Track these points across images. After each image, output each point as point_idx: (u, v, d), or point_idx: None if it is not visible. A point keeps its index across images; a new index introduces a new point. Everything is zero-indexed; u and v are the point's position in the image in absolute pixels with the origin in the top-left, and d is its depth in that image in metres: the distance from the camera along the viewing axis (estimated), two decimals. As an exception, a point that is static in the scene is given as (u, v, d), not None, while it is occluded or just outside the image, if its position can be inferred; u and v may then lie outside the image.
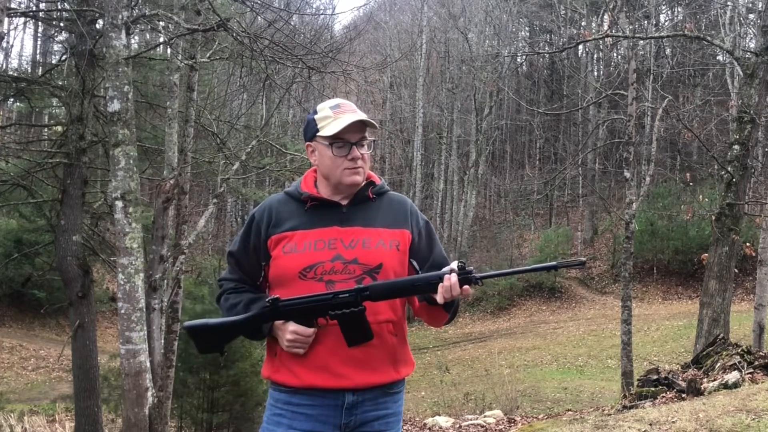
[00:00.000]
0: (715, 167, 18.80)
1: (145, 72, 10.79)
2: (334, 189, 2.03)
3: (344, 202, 2.03)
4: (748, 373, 6.22)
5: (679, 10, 32.27)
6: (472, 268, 1.92)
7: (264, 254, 2.02)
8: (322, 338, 1.94)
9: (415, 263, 2.06)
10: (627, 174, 11.95)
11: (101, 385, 9.26)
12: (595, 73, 32.95)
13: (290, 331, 1.93)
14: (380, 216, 2.05)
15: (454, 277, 1.88)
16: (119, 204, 5.28)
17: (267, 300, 1.94)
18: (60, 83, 10.05)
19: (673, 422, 4.63)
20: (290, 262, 1.97)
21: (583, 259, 2.08)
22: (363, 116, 1.99)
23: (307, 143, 2.07)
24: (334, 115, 2.00)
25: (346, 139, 1.98)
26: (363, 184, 2.05)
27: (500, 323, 24.48)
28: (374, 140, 2.07)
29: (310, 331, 1.92)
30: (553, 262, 1.96)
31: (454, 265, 1.92)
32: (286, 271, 1.97)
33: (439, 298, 1.88)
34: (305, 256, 1.96)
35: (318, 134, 2.01)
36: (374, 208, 2.06)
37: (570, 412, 8.76)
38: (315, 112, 2.05)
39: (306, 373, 1.95)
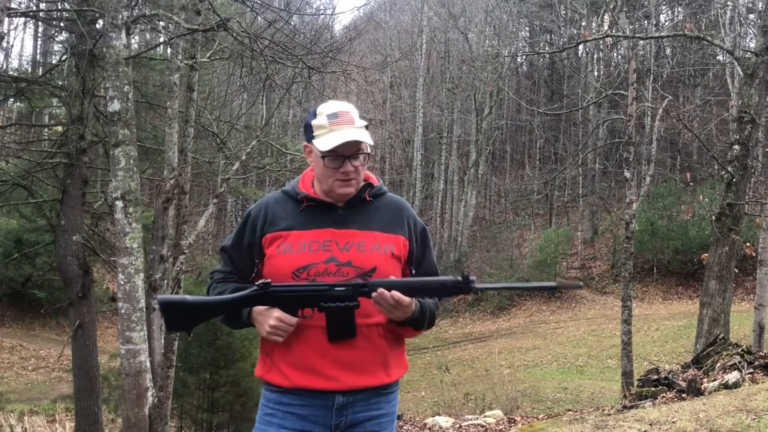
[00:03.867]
0: (715, 167, 18.81)
1: (145, 72, 10.79)
2: (325, 194, 2.03)
3: (340, 204, 2.02)
4: (748, 373, 6.21)
5: (679, 10, 32.27)
6: (474, 278, 1.90)
7: (258, 252, 2.02)
8: (313, 339, 1.94)
9: (413, 269, 2.07)
10: (627, 174, 11.95)
11: (101, 385, 9.26)
12: (595, 73, 32.91)
13: (275, 317, 1.90)
14: (376, 219, 2.03)
15: (386, 294, 1.87)
16: (119, 204, 5.27)
17: (257, 283, 1.91)
18: (60, 83, 10.06)
19: (673, 422, 4.63)
20: (284, 262, 1.96)
21: (580, 283, 2.13)
22: (358, 134, 1.94)
23: (305, 144, 2.06)
24: (329, 126, 1.95)
25: (339, 153, 1.95)
26: (357, 190, 2.03)
27: (500, 323, 24.48)
28: (369, 154, 2.01)
29: (294, 320, 1.90)
30: (553, 283, 1.97)
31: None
32: (279, 271, 1.96)
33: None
34: (299, 256, 1.96)
35: (313, 141, 1.98)
36: (371, 211, 2.05)
37: (570, 412, 8.76)
38: (314, 116, 2.00)
39: (296, 375, 1.95)
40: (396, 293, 1.86)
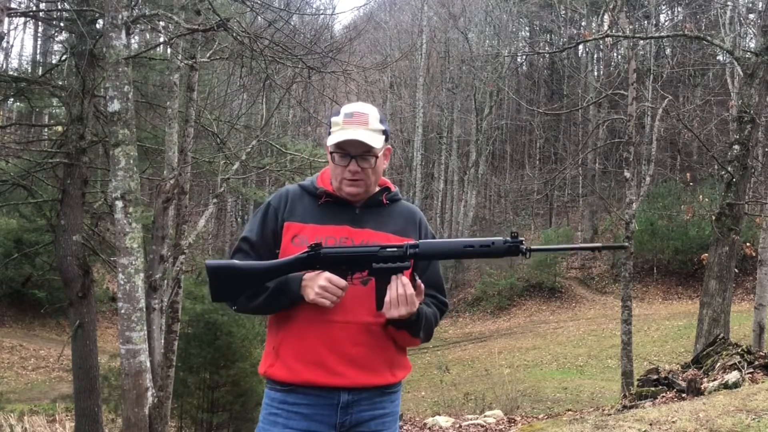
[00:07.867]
0: (715, 167, 18.79)
1: (145, 72, 10.79)
2: (337, 192, 2.04)
3: (357, 204, 2.04)
4: (748, 373, 6.22)
5: (679, 10, 32.27)
6: (523, 239, 1.88)
7: (279, 240, 2.02)
8: (325, 334, 1.94)
9: (416, 276, 2.06)
10: (627, 174, 11.94)
11: (101, 385, 9.26)
12: (595, 73, 32.92)
13: (324, 277, 1.89)
14: (391, 222, 2.06)
15: (404, 279, 1.89)
16: (119, 204, 5.28)
17: (309, 245, 1.91)
18: (60, 83, 10.06)
19: (673, 422, 4.64)
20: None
21: (626, 244, 2.11)
22: (364, 135, 1.94)
23: (327, 139, 2.08)
24: (343, 124, 1.97)
25: (346, 151, 1.96)
26: (370, 193, 2.04)
27: (500, 323, 24.47)
28: (376, 157, 2.00)
29: (344, 283, 1.89)
30: (599, 244, 1.95)
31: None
32: None
33: (384, 307, 1.88)
34: None
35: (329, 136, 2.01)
36: (386, 214, 2.07)
37: (570, 412, 8.77)
38: (337, 113, 2.02)
39: (302, 369, 1.94)
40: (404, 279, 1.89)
